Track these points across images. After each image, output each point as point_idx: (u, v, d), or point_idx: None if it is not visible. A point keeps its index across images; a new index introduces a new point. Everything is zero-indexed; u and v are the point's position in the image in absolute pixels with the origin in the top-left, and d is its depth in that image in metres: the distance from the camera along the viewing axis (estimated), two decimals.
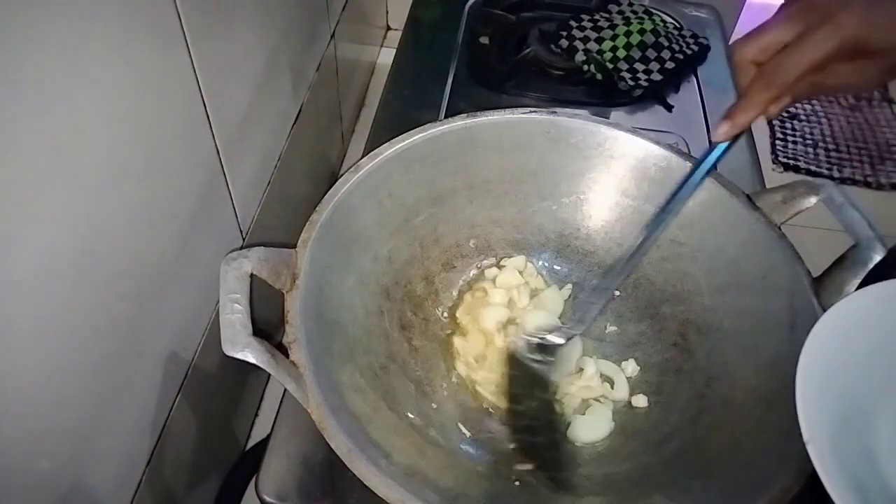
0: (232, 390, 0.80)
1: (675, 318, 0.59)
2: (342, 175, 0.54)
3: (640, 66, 0.85)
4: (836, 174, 1.44)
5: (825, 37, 0.46)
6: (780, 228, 0.54)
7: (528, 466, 0.51)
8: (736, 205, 0.56)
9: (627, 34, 0.87)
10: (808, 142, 1.50)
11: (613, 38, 0.87)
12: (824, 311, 0.43)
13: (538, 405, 0.54)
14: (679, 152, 0.59)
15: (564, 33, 0.88)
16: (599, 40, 0.87)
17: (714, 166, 0.53)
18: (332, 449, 0.41)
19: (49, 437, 0.44)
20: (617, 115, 0.82)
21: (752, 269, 0.54)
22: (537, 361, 0.55)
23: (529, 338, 0.56)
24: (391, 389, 0.52)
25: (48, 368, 0.42)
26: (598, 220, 0.63)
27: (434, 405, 0.54)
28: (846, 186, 1.41)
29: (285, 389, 0.43)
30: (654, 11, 0.92)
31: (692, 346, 0.57)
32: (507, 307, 0.61)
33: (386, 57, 1.34)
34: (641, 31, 0.88)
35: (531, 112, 0.61)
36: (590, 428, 0.54)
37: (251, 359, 0.40)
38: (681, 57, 0.87)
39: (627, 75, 0.84)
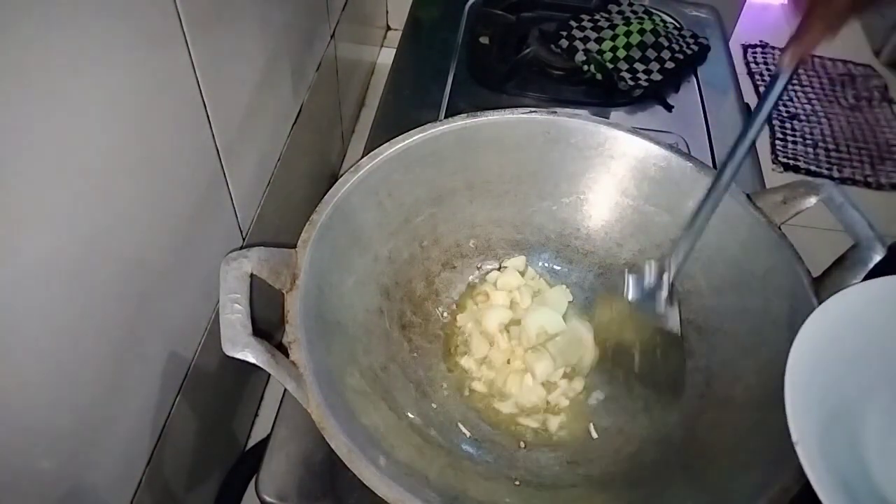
0: (232, 390, 0.80)
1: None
2: (342, 175, 0.54)
3: (640, 66, 0.85)
4: (836, 174, 1.44)
5: None
6: (780, 228, 0.54)
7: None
8: (736, 205, 0.56)
9: (627, 34, 0.87)
10: (808, 142, 1.50)
11: (613, 38, 0.87)
12: None
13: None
14: (679, 152, 0.59)
15: (564, 33, 0.88)
16: (599, 40, 0.87)
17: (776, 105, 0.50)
18: (332, 449, 0.41)
19: (49, 437, 0.44)
20: (617, 115, 0.82)
21: (752, 269, 0.54)
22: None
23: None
24: (391, 389, 0.52)
25: (48, 368, 0.42)
26: (598, 220, 0.63)
27: (434, 405, 0.54)
28: (846, 186, 1.42)
29: (285, 389, 0.43)
30: (654, 11, 0.93)
31: (692, 346, 0.57)
32: (509, 308, 0.61)
33: (386, 57, 1.34)
34: (641, 31, 0.88)
35: (531, 112, 0.61)
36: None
37: (251, 359, 0.40)
38: (681, 57, 0.87)
39: (627, 75, 0.84)
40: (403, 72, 0.88)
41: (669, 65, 0.86)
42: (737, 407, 0.50)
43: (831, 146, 1.50)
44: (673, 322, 0.54)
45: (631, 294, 0.56)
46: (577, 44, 0.86)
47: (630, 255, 0.62)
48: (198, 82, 0.55)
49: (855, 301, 0.43)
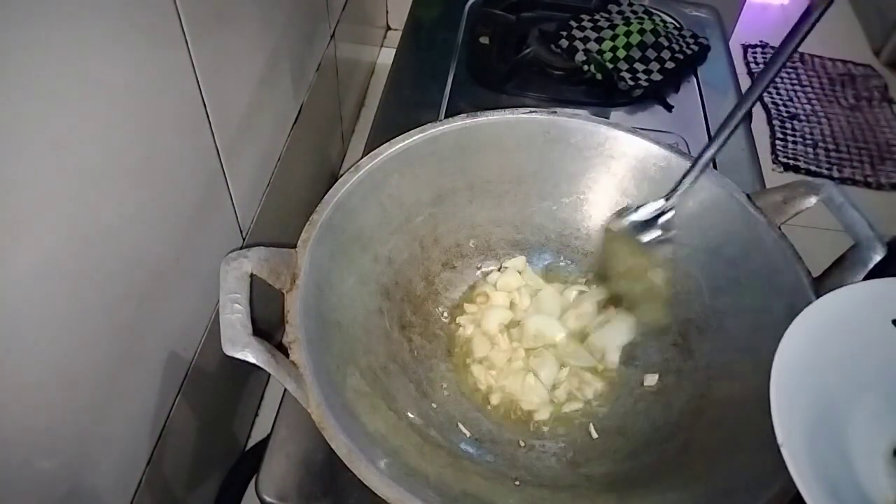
0: (232, 390, 0.80)
1: (675, 318, 0.59)
2: (342, 175, 0.54)
3: (640, 66, 0.85)
4: (836, 174, 1.44)
5: None
6: (780, 228, 0.54)
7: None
8: (736, 205, 0.56)
9: (627, 34, 0.87)
10: (808, 142, 1.50)
11: (613, 38, 0.87)
12: None
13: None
14: (679, 152, 0.60)
15: (564, 33, 0.88)
16: (599, 40, 0.87)
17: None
18: (332, 449, 0.41)
19: (49, 437, 0.44)
20: (617, 115, 0.82)
21: (753, 269, 0.54)
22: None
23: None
24: (391, 389, 0.52)
25: (48, 368, 0.42)
26: (598, 220, 0.63)
27: (434, 405, 0.55)
28: (846, 186, 1.42)
29: (285, 389, 0.43)
30: (654, 11, 0.92)
31: (692, 346, 0.57)
32: (509, 309, 0.61)
33: (386, 57, 1.34)
34: (641, 31, 0.88)
35: (531, 112, 0.61)
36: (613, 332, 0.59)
37: (251, 359, 0.40)
38: (681, 57, 0.87)
39: (627, 75, 0.84)
40: (403, 72, 0.88)
41: (669, 65, 0.86)
42: (737, 407, 0.50)
43: (831, 146, 1.50)
44: (661, 252, 0.58)
45: (628, 223, 0.59)
46: (577, 44, 0.86)
47: None
48: (198, 82, 0.55)
49: (842, 303, 0.43)
